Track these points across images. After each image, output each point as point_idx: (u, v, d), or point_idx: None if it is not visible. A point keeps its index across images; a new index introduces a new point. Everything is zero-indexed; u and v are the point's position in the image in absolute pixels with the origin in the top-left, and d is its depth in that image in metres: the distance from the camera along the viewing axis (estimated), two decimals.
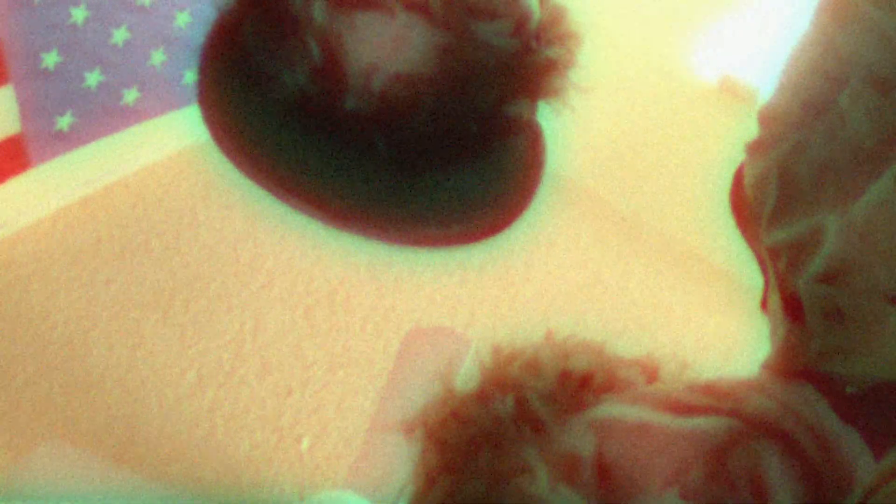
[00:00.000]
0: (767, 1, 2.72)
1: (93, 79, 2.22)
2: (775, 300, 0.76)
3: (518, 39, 0.75)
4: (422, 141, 0.73)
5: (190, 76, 2.42)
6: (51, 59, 2.10)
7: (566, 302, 2.50)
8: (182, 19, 2.32)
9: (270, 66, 0.74)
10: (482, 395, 0.70)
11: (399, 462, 1.79)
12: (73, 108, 2.22)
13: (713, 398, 0.67)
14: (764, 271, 0.79)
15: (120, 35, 2.21)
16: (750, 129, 0.79)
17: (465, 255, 2.42)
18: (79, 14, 2.10)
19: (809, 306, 0.70)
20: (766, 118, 0.79)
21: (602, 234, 2.69)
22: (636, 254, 2.66)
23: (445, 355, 1.92)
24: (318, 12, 0.71)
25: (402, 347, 1.95)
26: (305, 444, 2.08)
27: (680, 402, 0.66)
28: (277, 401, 2.14)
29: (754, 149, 0.78)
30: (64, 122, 2.22)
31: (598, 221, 2.71)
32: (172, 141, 2.56)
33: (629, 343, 2.38)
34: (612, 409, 0.67)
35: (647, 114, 2.83)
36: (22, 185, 2.23)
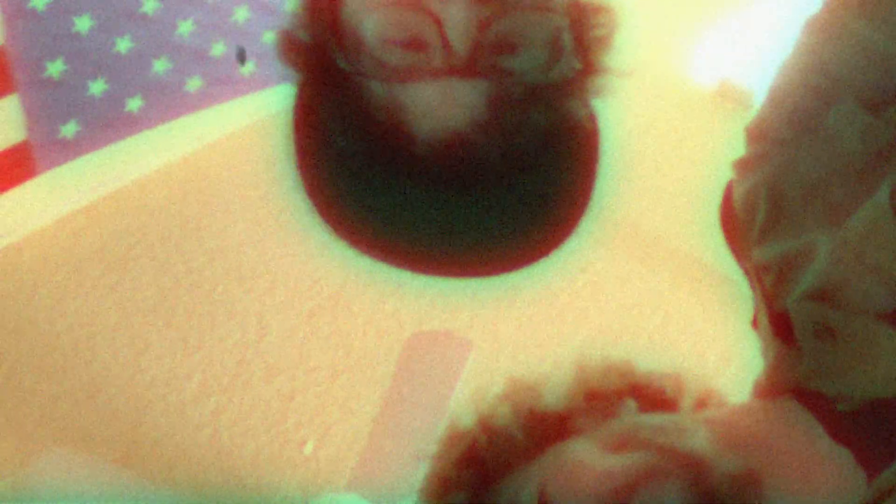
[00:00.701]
0: (765, 6, 2.74)
1: (97, 87, 2.24)
2: (765, 318, 0.76)
3: (557, 66, 0.75)
4: (486, 174, 0.74)
5: (192, 84, 2.44)
6: (55, 68, 2.12)
7: (565, 306, 2.51)
8: (184, 28, 2.34)
9: (347, 137, 0.77)
10: (458, 441, 0.73)
11: (401, 466, 1.80)
12: (77, 117, 2.24)
13: (657, 433, 0.68)
14: (754, 289, 0.79)
15: (123, 44, 2.23)
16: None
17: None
18: (83, 24, 2.12)
19: (799, 325, 0.69)
20: (754, 135, 0.78)
21: (601, 239, 2.69)
22: (635, 257, 2.67)
23: (446, 359, 1.93)
24: (376, 87, 0.73)
25: (404, 351, 1.96)
26: (309, 447, 2.09)
27: (626, 438, 0.67)
28: (281, 404, 2.15)
29: (743, 166, 0.78)
30: (69, 129, 2.24)
31: (595, 225, 2.72)
32: (175, 148, 2.58)
33: (627, 348, 2.39)
34: (569, 446, 0.69)
35: (646, 118, 2.84)
36: (27, 193, 2.25)
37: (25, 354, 2.13)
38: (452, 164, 0.72)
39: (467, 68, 0.70)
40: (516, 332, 2.41)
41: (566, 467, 0.67)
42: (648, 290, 2.60)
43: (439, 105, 0.71)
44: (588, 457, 0.66)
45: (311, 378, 2.21)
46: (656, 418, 0.72)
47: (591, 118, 0.81)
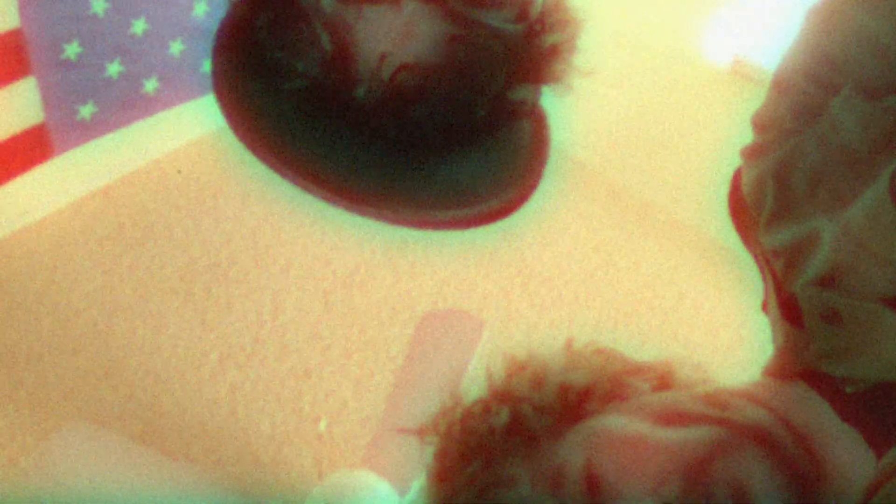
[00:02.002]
0: None
1: (113, 69, 2.25)
2: (774, 303, 0.76)
3: (522, 25, 0.76)
4: (430, 126, 0.74)
5: (208, 65, 2.45)
6: (72, 50, 2.13)
7: (579, 285, 2.51)
8: (200, 9, 2.34)
9: (282, 56, 0.75)
10: (482, 407, 0.72)
11: (415, 444, 1.82)
12: (94, 98, 2.25)
13: (707, 406, 0.67)
14: (763, 274, 0.79)
15: (139, 25, 2.24)
16: None
17: (479, 240, 2.43)
18: (98, 5, 2.12)
19: (807, 309, 0.70)
20: (760, 124, 0.78)
21: (614, 217, 2.69)
22: (648, 236, 2.67)
23: (460, 337, 1.94)
24: (327, 3, 0.72)
25: (418, 330, 1.97)
26: (323, 424, 2.10)
27: (673, 411, 0.67)
28: (296, 382, 2.17)
29: (750, 154, 0.78)
30: (86, 111, 2.25)
31: (611, 205, 2.71)
32: (192, 129, 2.59)
33: (641, 327, 2.39)
34: (607, 420, 0.68)
35: (660, 96, 2.83)
36: (45, 174, 2.26)
37: (45, 334, 2.16)
38: (392, 105, 0.71)
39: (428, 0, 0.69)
40: (529, 311, 2.42)
41: (616, 441, 0.66)
42: (662, 270, 2.60)
43: (390, 31, 0.70)
44: (641, 431, 0.66)
45: (325, 356, 2.23)
46: (697, 390, 0.72)
47: (541, 106, 0.81)
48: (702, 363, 0.79)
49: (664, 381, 0.76)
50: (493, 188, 0.81)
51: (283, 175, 0.79)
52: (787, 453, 0.63)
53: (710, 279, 2.56)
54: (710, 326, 2.46)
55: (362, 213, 0.79)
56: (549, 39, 0.79)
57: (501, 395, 0.73)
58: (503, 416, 0.71)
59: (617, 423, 0.68)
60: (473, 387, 0.75)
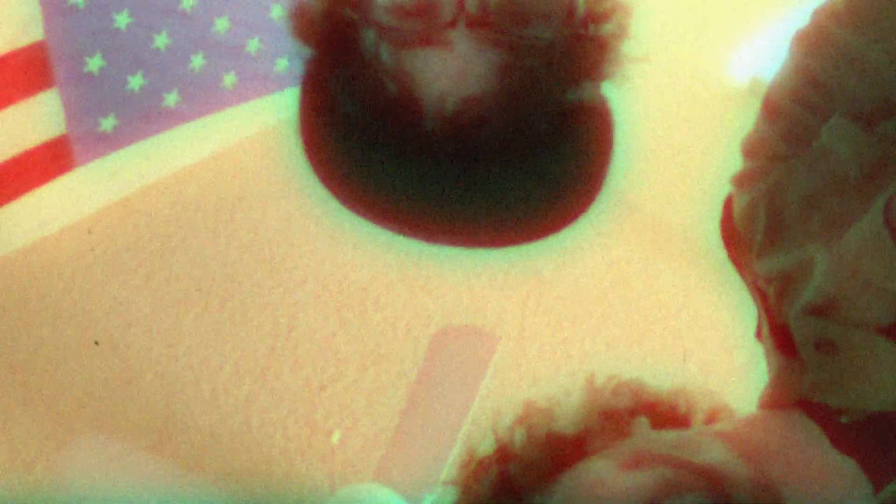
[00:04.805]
0: (798, 4, 2.71)
1: (135, 82, 2.27)
2: (767, 332, 0.77)
3: (568, 28, 0.76)
4: (496, 149, 0.75)
5: (228, 79, 2.47)
6: (94, 63, 2.15)
7: (593, 303, 2.51)
8: (221, 25, 2.36)
9: (356, 108, 0.78)
10: (476, 466, 0.74)
11: (427, 458, 1.82)
12: (115, 111, 2.27)
13: (674, 448, 0.68)
14: (756, 302, 0.79)
15: (161, 40, 2.26)
16: None
17: (493, 256, 2.44)
18: (122, 19, 2.15)
19: (800, 338, 0.70)
20: (750, 150, 0.78)
21: (630, 235, 2.69)
22: (663, 255, 2.66)
23: (473, 354, 1.94)
24: (386, 53, 0.74)
25: (432, 346, 1.98)
26: (336, 437, 2.11)
27: (640, 454, 0.68)
28: (310, 395, 2.17)
29: (741, 181, 0.78)
30: (107, 123, 2.27)
31: (626, 223, 2.71)
32: (211, 143, 2.60)
33: (655, 346, 2.38)
34: (587, 466, 0.70)
35: (678, 115, 2.83)
36: (66, 185, 2.27)
37: (62, 344, 2.17)
38: (459, 135, 0.73)
39: (477, 34, 0.70)
40: (543, 328, 2.41)
41: (585, 487, 0.68)
42: (676, 289, 2.59)
43: (447, 72, 0.72)
44: (606, 475, 0.67)
45: (340, 370, 2.23)
46: (670, 434, 0.73)
47: (603, 101, 0.81)
48: (715, 391, 0.79)
49: (677, 415, 0.76)
50: (565, 190, 0.82)
51: (370, 219, 0.81)
52: (734, 499, 0.63)
53: (726, 299, 2.54)
54: (725, 346, 2.44)
55: (438, 241, 0.81)
56: (599, 32, 0.79)
57: (496, 452, 0.74)
58: (492, 474, 0.72)
59: (592, 468, 0.69)
60: (484, 441, 0.77)
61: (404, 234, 0.80)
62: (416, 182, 0.77)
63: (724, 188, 0.85)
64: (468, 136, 0.74)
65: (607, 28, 0.79)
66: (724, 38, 2.92)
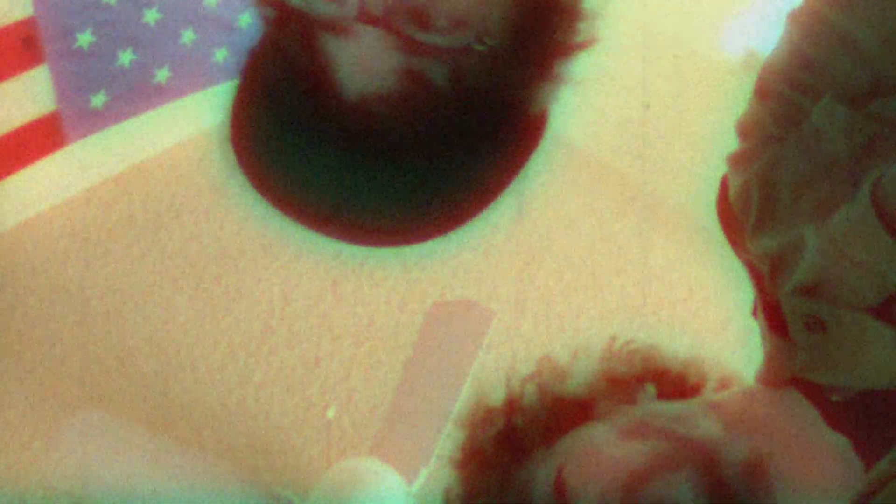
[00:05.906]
0: None
1: (126, 58, 2.26)
2: (762, 310, 0.77)
3: (460, 37, 0.73)
4: (395, 145, 0.75)
5: (220, 54, 2.46)
6: (85, 39, 2.14)
7: (588, 276, 2.52)
8: None
9: (279, 91, 0.78)
10: (484, 415, 0.76)
11: (423, 433, 1.83)
12: (106, 87, 2.26)
13: (672, 421, 0.70)
14: (751, 281, 0.80)
15: (151, 15, 2.25)
16: None
17: (488, 230, 2.44)
18: None
19: (792, 318, 0.71)
20: (743, 130, 0.78)
21: (623, 208, 2.69)
22: (657, 228, 2.67)
23: (468, 328, 1.95)
24: (297, 38, 0.74)
25: (427, 320, 1.98)
26: (332, 412, 2.11)
27: (639, 425, 0.70)
28: (305, 371, 2.18)
29: (735, 161, 0.78)
30: (98, 100, 2.26)
31: (619, 196, 2.71)
32: (203, 118, 2.59)
33: (649, 319, 2.39)
34: (588, 431, 0.72)
35: (670, 89, 2.83)
36: (57, 163, 2.27)
37: (57, 322, 2.17)
38: (359, 128, 0.73)
39: (378, 32, 0.70)
40: (538, 301, 2.42)
41: (583, 452, 0.69)
42: (671, 262, 2.59)
43: (349, 63, 0.72)
44: (604, 443, 0.69)
45: (335, 345, 2.24)
46: (672, 405, 0.74)
47: (531, 103, 0.79)
48: (723, 362, 0.80)
49: (687, 384, 0.77)
50: (459, 196, 0.80)
51: (288, 214, 0.83)
52: (724, 476, 0.65)
53: (720, 272, 2.55)
54: (719, 319, 2.45)
55: (350, 241, 0.84)
56: (511, 44, 0.76)
57: (505, 404, 0.76)
58: (498, 425, 0.75)
59: (593, 434, 0.71)
60: (498, 388, 0.78)
61: (313, 229, 0.81)
62: (323, 172, 0.77)
63: (720, 164, 0.85)
64: (368, 131, 0.73)
65: (536, 39, 0.76)
66: (718, 11, 2.91)
